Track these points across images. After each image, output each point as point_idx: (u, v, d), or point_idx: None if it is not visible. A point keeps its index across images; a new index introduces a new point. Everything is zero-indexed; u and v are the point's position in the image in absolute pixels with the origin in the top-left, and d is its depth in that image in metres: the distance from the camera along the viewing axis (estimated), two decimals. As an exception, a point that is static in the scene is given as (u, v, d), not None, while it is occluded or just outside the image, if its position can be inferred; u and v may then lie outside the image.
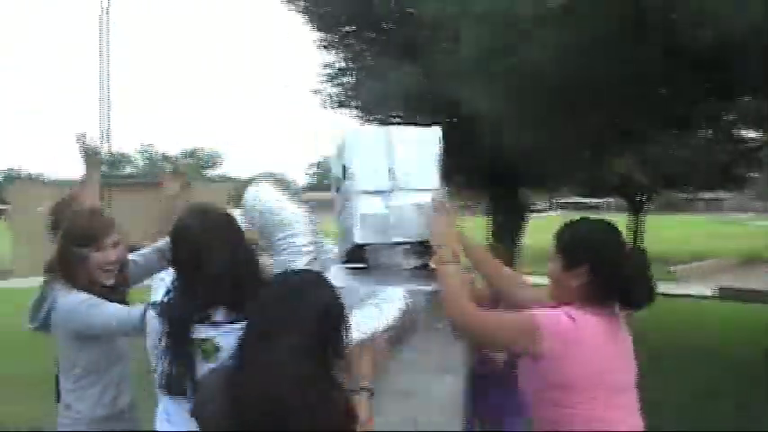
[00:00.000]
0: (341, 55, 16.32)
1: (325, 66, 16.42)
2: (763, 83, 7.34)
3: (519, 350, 2.53)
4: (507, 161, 11.53)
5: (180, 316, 2.54)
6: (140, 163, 79.03)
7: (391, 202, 2.99)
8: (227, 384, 2.17)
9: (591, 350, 2.45)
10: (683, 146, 16.30)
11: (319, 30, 15.94)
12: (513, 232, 17.46)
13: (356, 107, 16.89)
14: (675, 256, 25.72)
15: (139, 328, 2.81)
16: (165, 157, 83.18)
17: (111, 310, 3.10)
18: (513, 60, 7.68)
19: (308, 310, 2.17)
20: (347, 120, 17.26)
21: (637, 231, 26.97)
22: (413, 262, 3.05)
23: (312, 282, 2.32)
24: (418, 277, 3.01)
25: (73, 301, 3.18)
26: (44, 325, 3.41)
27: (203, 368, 2.50)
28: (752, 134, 19.32)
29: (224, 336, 2.47)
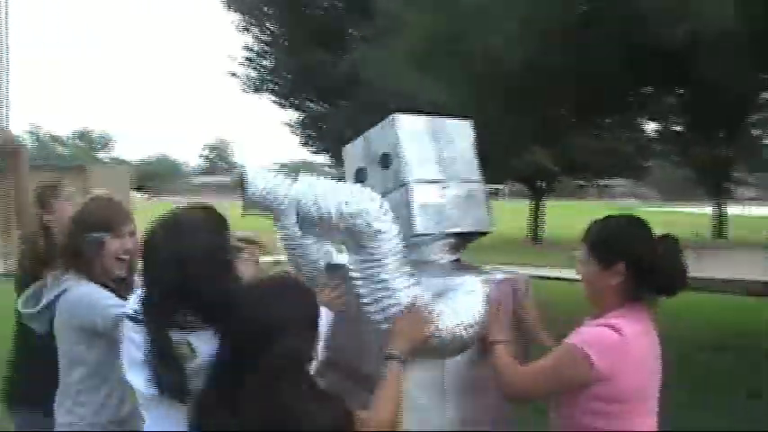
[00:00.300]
0: (259, 38, 16.01)
1: (245, 48, 16.12)
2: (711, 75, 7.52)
3: (581, 384, 2.38)
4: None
5: (155, 319, 2.34)
6: (29, 145, 76.06)
7: (446, 191, 2.89)
8: (228, 398, 2.05)
9: (638, 361, 2.38)
10: (591, 136, 16.79)
11: (238, 11, 15.60)
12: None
13: (273, 91, 16.67)
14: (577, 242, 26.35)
15: None
16: (54, 139, 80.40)
17: (116, 307, 2.86)
18: (458, 48, 7.63)
19: (297, 314, 2.09)
20: (264, 103, 16.99)
21: (537, 217, 27.78)
22: (448, 256, 2.94)
23: (293, 286, 2.24)
24: (466, 269, 2.92)
25: (82, 292, 2.91)
26: (39, 315, 3.10)
27: None
28: (651, 126, 20.23)
29: (196, 337, 2.28)
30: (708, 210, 31.28)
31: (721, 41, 5.86)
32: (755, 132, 22.45)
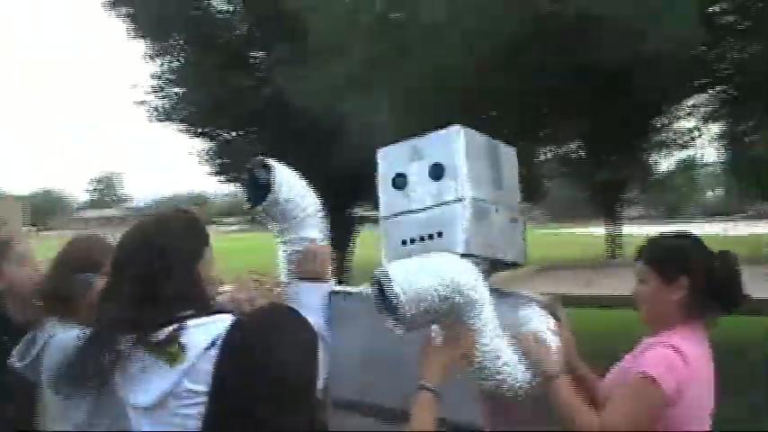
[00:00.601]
0: (169, 65, 15.68)
1: (153, 76, 15.73)
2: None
3: (659, 415, 2.30)
4: (351, 174, 11.59)
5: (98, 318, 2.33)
6: None
7: (496, 216, 2.81)
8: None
9: (701, 387, 2.36)
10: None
11: (145, 38, 15.25)
12: (343, 244, 17.60)
13: (182, 120, 16.33)
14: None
15: None
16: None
17: None
18: (395, 72, 7.72)
19: (297, 344, 1.98)
20: (173, 133, 16.66)
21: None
22: None
23: (290, 314, 2.10)
24: (513, 296, 2.81)
25: (71, 339, 2.74)
26: (32, 365, 2.89)
27: (166, 376, 2.18)
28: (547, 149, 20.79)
29: (185, 332, 2.19)
30: (600, 230, 32.23)
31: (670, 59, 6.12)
32: (649, 155, 23.40)
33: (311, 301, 2.59)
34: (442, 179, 2.78)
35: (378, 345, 2.76)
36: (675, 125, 16.92)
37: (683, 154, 21.43)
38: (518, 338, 2.50)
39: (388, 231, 2.94)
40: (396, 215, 2.91)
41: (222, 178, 18.09)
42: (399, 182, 2.91)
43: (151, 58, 15.66)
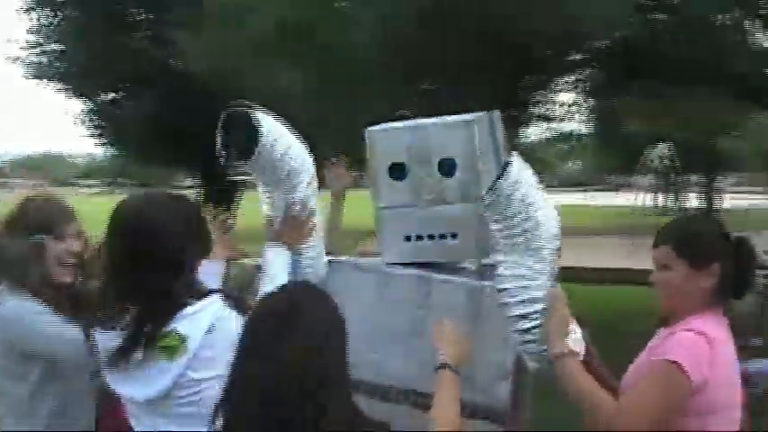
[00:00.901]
0: (47, 21, 14.95)
1: (29, 31, 14.93)
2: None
3: (685, 404, 2.19)
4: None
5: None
6: None
7: None
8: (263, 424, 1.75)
9: (727, 370, 2.28)
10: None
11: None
12: (224, 209, 17.33)
13: (61, 78, 15.61)
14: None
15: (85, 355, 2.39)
16: None
17: (59, 329, 2.54)
18: (312, 38, 7.74)
19: (335, 324, 1.84)
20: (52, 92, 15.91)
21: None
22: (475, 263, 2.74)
23: (320, 292, 1.96)
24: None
25: (14, 309, 2.59)
26: None
27: (169, 370, 2.10)
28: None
29: (183, 322, 2.11)
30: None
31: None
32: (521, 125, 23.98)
33: (279, 267, 2.54)
34: (454, 176, 2.61)
35: (376, 316, 2.65)
36: (550, 98, 17.40)
37: (554, 126, 22.06)
38: (551, 309, 2.35)
39: (386, 223, 2.77)
40: (396, 207, 2.74)
41: (98, 140, 17.48)
42: (398, 172, 2.70)
43: (28, 11, 14.92)
